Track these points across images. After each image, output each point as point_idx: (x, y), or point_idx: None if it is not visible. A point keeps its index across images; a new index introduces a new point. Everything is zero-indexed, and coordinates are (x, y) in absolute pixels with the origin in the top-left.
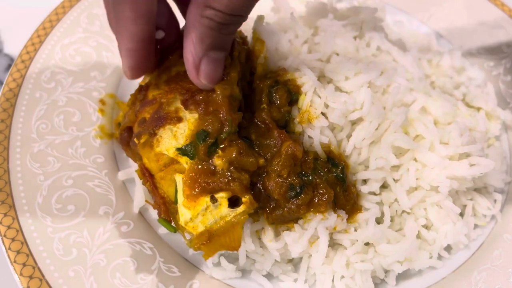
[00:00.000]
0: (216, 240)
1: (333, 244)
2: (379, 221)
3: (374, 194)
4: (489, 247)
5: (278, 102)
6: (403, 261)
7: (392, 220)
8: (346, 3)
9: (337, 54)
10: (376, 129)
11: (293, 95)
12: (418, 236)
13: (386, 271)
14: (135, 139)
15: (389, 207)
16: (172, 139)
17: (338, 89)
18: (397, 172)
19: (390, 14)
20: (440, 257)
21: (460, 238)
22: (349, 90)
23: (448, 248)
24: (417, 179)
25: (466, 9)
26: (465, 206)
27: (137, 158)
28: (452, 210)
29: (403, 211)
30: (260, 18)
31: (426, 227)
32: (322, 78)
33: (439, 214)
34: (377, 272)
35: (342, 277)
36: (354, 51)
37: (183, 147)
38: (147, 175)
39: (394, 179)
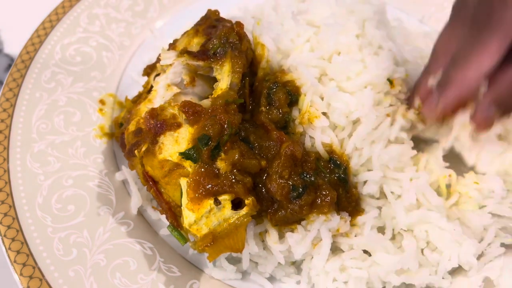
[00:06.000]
0: (220, 242)
1: (335, 248)
2: (381, 232)
3: (374, 197)
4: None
5: (277, 104)
6: (401, 273)
7: (393, 238)
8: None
9: (339, 53)
10: (376, 128)
11: (292, 96)
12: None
13: (384, 283)
14: (135, 151)
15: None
16: (174, 144)
17: (340, 89)
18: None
19: (390, 14)
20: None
21: (468, 259)
22: (351, 91)
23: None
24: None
25: None
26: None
27: (136, 165)
28: (455, 230)
29: (402, 229)
30: (257, 22)
31: (429, 247)
32: (324, 76)
33: (441, 236)
34: (374, 283)
35: (335, 280)
36: (357, 49)
37: (186, 151)
38: (150, 182)
39: (392, 192)
